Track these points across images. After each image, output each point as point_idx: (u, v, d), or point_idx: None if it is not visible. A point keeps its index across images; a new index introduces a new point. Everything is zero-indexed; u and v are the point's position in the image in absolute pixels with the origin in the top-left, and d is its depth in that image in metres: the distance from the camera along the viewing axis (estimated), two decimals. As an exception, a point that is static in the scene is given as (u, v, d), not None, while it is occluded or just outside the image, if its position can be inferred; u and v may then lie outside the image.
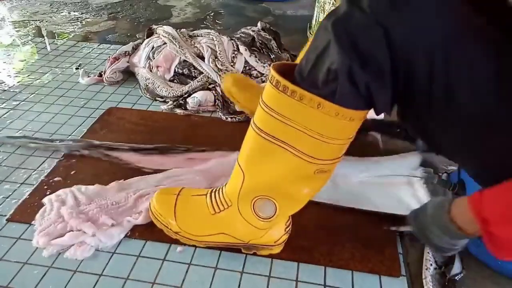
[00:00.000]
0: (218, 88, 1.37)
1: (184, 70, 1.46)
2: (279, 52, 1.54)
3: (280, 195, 0.75)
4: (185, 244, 0.87)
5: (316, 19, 1.87)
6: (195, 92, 1.37)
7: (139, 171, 1.07)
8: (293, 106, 0.64)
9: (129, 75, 1.56)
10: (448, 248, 0.69)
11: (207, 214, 0.81)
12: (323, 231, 0.91)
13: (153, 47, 1.54)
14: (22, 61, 1.72)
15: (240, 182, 0.76)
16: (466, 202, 0.61)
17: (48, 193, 0.99)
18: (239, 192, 0.77)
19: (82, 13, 2.28)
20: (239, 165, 0.76)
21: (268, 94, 0.67)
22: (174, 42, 1.49)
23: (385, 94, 0.59)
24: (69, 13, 2.29)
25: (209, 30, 1.62)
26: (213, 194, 0.83)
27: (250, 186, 0.76)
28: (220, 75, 1.38)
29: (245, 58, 1.47)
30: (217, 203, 0.81)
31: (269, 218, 0.78)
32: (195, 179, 1.03)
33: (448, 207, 0.66)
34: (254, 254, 0.85)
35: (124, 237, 0.89)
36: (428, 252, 0.84)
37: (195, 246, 0.87)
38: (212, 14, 2.31)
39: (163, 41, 1.54)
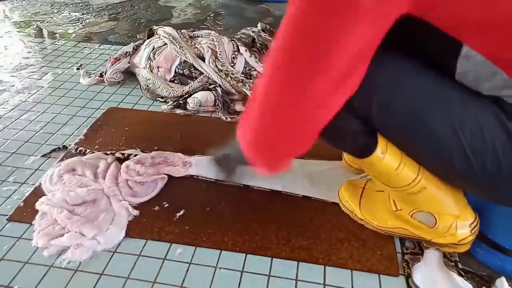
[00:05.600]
0: (218, 89, 1.38)
1: (185, 71, 1.46)
2: (279, 52, 1.55)
3: (421, 207, 0.82)
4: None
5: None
6: (196, 92, 1.38)
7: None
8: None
9: (129, 75, 1.57)
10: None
11: (390, 209, 0.87)
12: (322, 230, 0.91)
13: (153, 48, 1.54)
14: (23, 61, 1.72)
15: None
16: None
17: (49, 192, 0.99)
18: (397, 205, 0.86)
19: (83, 14, 2.29)
20: None
21: None
22: (175, 43, 1.49)
23: None
24: (70, 13, 2.30)
25: (209, 31, 1.63)
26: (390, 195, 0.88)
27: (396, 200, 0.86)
28: (220, 76, 1.39)
29: (245, 59, 1.47)
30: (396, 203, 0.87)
31: (433, 226, 0.81)
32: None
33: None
34: (437, 249, 0.84)
35: (124, 236, 0.89)
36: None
37: (196, 246, 0.87)
38: (212, 15, 2.32)
39: (163, 41, 1.54)
